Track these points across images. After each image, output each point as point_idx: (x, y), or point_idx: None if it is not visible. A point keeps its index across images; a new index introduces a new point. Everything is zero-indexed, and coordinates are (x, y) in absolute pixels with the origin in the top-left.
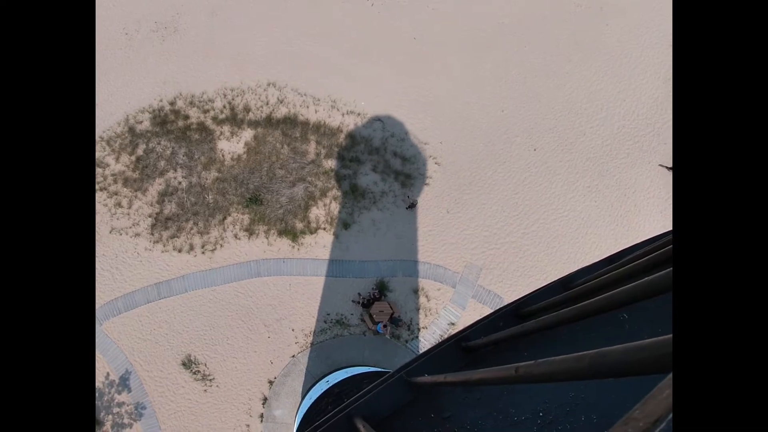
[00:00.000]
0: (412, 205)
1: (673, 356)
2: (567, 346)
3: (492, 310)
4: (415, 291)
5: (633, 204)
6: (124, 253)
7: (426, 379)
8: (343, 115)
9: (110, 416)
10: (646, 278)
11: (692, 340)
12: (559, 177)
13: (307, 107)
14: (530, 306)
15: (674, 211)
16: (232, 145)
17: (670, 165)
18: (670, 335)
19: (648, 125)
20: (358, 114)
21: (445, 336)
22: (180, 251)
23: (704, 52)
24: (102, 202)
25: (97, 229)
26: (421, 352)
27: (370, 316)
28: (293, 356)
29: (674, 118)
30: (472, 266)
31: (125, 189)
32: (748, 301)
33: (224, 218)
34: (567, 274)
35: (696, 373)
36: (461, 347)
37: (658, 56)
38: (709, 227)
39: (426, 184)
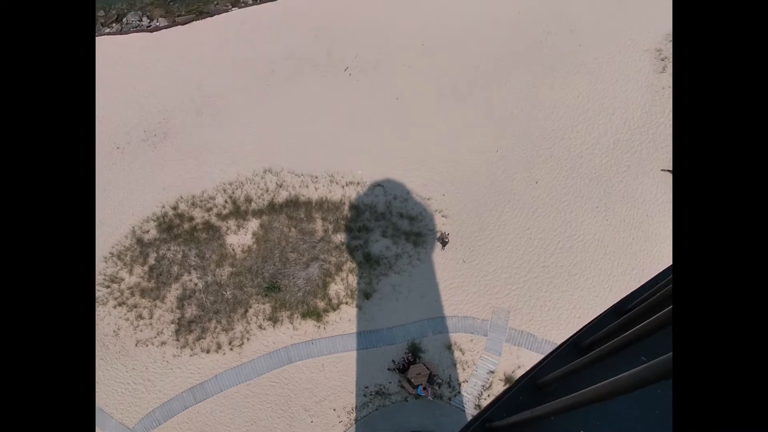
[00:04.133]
0: (444, 242)
1: (673, 369)
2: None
3: (528, 351)
4: (449, 347)
5: (645, 214)
6: (154, 364)
7: (507, 420)
8: (342, 187)
9: None
10: (647, 321)
11: (689, 354)
12: (566, 204)
13: (307, 186)
14: (588, 339)
15: (674, 257)
16: (240, 238)
17: (673, 168)
18: (670, 353)
19: (642, 133)
20: (358, 183)
21: (488, 385)
22: (208, 352)
23: (704, 54)
24: (123, 317)
25: (123, 343)
26: (465, 406)
27: (409, 380)
28: None
29: (674, 122)
30: (499, 310)
31: (144, 300)
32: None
33: (246, 311)
34: (584, 328)
35: (694, 378)
36: (534, 385)
37: (636, 63)
38: (707, 272)
39: (437, 240)
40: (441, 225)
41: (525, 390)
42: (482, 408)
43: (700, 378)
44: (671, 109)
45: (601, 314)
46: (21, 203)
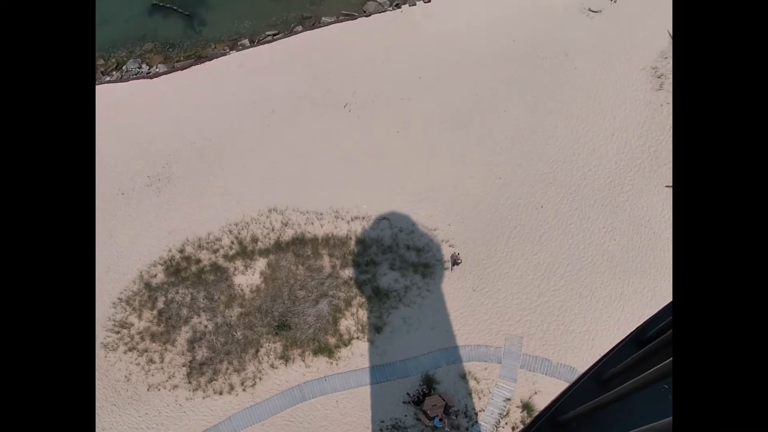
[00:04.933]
0: (457, 263)
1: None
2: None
3: (544, 376)
4: (463, 376)
5: (652, 232)
6: (166, 408)
7: None
8: (348, 222)
9: None
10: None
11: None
12: (572, 226)
13: (312, 223)
14: (608, 371)
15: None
16: (248, 278)
17: None
18: (669, 419)
19: (643, 151)
20: (363, 218)
21: (505, 413)
22: (221, 393)
23: (703, 61)
24: (134, 362)
25: (135, 388)
26: None
27: (425, 413)
28: None
29: (674, 127)
30: (512, 337)
31: (154, 344)
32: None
33: (257, 351)
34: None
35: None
36: (554, 423)
37: (632, 82)
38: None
39: (445, 269)
40: (448, 256)
41: (545, 429)
42: None
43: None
44: (671, 125)
45: (619, 343)
46: (24, 209)
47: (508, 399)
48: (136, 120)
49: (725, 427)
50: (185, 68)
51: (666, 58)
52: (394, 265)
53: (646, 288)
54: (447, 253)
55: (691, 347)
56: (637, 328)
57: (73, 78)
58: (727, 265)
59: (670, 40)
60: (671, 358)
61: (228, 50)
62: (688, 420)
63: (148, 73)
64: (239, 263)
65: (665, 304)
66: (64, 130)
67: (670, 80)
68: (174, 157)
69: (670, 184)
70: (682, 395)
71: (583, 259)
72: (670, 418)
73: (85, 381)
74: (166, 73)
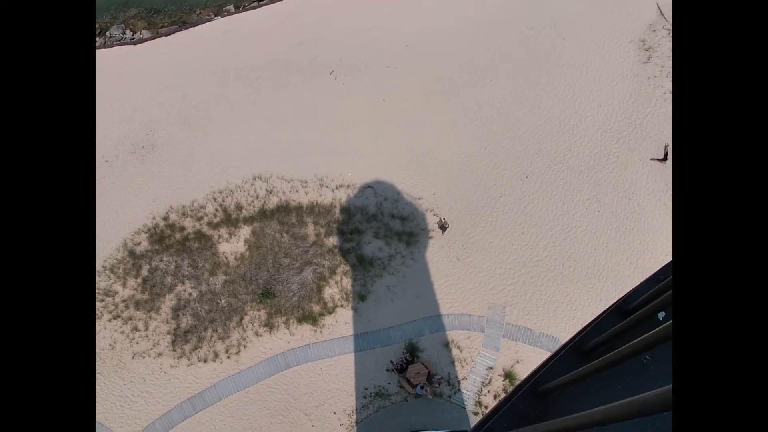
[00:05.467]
0: (444, 228)
1: (673, 399)
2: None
3: (526, 345)
4: (446, 345)
5: (636, 204)
6: (151, 375)
7: None
8: (333, 191)
9: None
10: (650, 333)
11: (689, 388)
12: (557, 197)
13: (297, 191)
14: (590, 341)
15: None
16: (232, 246)
17: (662, 157)
18: (669, 386)
19: (629, 123)
20: (348, 186)
21: (487, 381)
22: (205, 361)
23: (704, 53)
24: (119, 330)
25: (119, 356)
26: (466, 403)
27: (408, 380)
28: None
29: (674, 123)
30: (495, 306)
31: (138, 312)
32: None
33: (241, 319)
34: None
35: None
36: (535, 393)
37: (620, 55)
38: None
39: (430, 238)
40: (433, 225)
41: (526, 398)
42: (482, 417)
43: (701, 413)
44: (657, 98)
45: (602, 314)
46: (24, 207)
47: (491, 368)
48: (120, 87)
49: (729, 392)
50: (169, 34)
51: (654, 31)
52: (378, 233)
53: (629, 260)
54: (431, 221)
55: (693, 307)
56: (620, 299)
57: (72, 36)
58: (730, 219)
59: (659, 13)
60: (657, 329)
61: (213, 16)
62: (690, 386)
63: (132, 39)
64: (223, 231)
65: (648, 275)
66: (62, 88)
67: (658, 53)
68: (158, 124)
69: (655, 156)
70: (683, 361)
71: (566, 230)
72: (670, 386)
73: (85, 377)
74: (150, 39)
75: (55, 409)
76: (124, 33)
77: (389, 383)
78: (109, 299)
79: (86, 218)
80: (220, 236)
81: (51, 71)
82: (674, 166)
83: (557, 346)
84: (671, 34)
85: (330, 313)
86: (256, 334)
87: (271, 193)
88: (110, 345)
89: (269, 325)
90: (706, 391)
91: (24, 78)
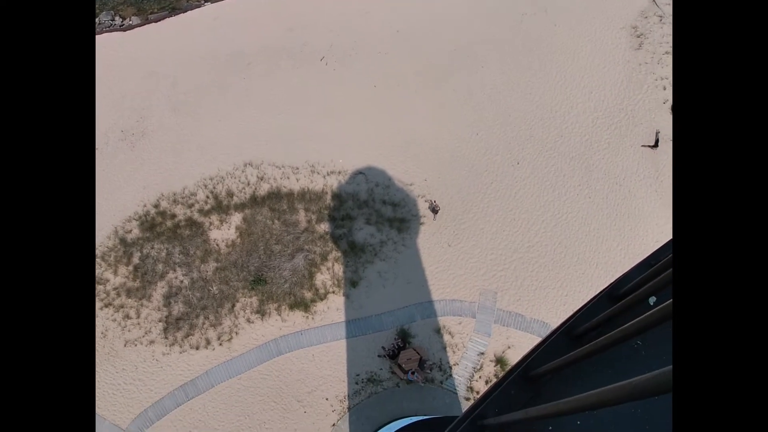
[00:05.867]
0: (436, 210)
1: (673, 380)
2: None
3: (517, 331)
4: (438, 330)
5: (627, 190)
6: (143, 363)
7: (497, 420)
8: (324, 177)
9: None
10: (648, 313)
11: (689, 368)
12: (548, 183)
13: (288, 178)
14: (581, 326)
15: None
16: (224, 233)
17: (652, 143)
18: (669, 367)
19: (620, 110)
20: (339, 172)
21: (479, 367)
22: (197, 348)
23: (704, 52)
24: (110, 317)
25: (111, 344)
26: (457, 389)
27: (399, 366)
28: (333, 425)
29: (674, 120)
30: (486, 292)
31: (130, 300)
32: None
33: (233, 306)
34: (573, 317)
35: (694, 393)
36: (526, 378)
37: (612, 41)
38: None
39: (421, 224)
40: (424, 211)
41: (517, 383)
42: (473, 402)
43: (702, 396)
44: (648, 85)
45: (593, 299)
46: (22, 203)
47: (482, 353)
48: (110, 74)
49: (733, 372)
50: (159, 20)
51: (646, 17)
52: (369, 219)
53: (620, 246)
54: (423, 207)
55: (693, 284)
56: (611, 284)
57: (72, 29)
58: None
59: (651, 0)
60: (651, 311)
61: (203, 2)
62: (692, 367)
63: (122, 25)
64: (214, 218)
65: (638, 261)
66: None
67: (650, 40)
68: (148, 111)
69: (646, 143)
70: (684, 341)
71: (557, 216)
72: (669, 368)
73: (85, 379)
74: (139, 26)
75: (54, 401)
76: (113, 19)
77: (381, 369)
78: (101, 287)
79: (86, 212)
80: (211, 223)
81: (50, 59)
82: (674, 141)
83: (548, 332)
84: (662, 20)
85: (322, 299)
86: (248, 320)
87: (262, 179)
88: (102, 333)
89: (261, 312)
90: (708, 372)
91: (22, 66)
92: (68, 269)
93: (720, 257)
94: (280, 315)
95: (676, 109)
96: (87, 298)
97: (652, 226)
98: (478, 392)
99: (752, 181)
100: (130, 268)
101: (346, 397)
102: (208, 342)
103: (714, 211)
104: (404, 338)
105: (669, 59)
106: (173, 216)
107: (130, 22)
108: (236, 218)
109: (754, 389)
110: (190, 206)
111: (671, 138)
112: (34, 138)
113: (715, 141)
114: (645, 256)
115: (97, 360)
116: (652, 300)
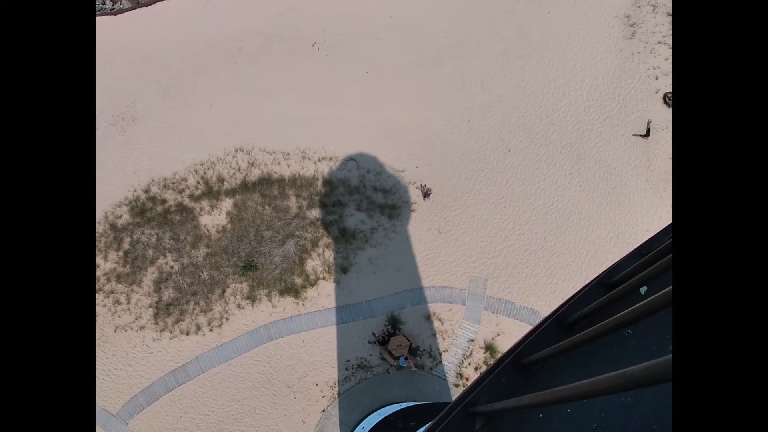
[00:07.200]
0: (427, 194)
1: (673, 369)
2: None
3: (507, 318)
4: (428, 317)
5: (618, 179)
6: (134, 349)
7: (489, 408)
8: (315, 163)
9: None
10: (647, 300)
11: (689, 355)
12: (539, 171)
13: (279, 164)
14: (572, 314)
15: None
16: (214, 218)
17: (644, 132)
18: (669, 356)
19: (612, 99)
20: (330, 158)
21: (468, 353)
22: (188, 334)
23: (704, 50)
24: (100, 303)
25: (101, 330)
26: (447, 375)
27: (389, 352)
28: (324, 410)
29: (674, 118)
30: (477, 279)
31: (120, 285)
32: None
33: (224, 291)
34: (566, 305)
35: (693, 382)
36: (517, 366)
37: (605, 30)
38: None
39: (412, 211)
40: (415, 197)
41: (508, 371)
42: (465, 389)
43: (704, 384)
44: (640, 74)
45: (585, 287)
46: (20, 200)
47: (472, 340)
48: (100, 58)
49: (736, 360)
50: (150, 4)
51: (639, 6)
52: (360, 206)
53: (611, 234)
54: (414, 194)
55: (694, 269)
56: (602, 273)
57: (72, 22)
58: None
59: None
60: (647, 300)
61: None
62: (693, 356)
63: (112, 9)
64: (205, 203)
65: (629, 250)
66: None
67: (643, 29)
68: (138, 96)
69: (638, 132)
70: (684, 329)
71: (548, 204)
72: (668, 357)
73: (85, 377)
74: (130, 10)
75: (53, 395)
76: (104, 3)
77: (371, 355)
78: None
79: (86, 208)
80: (201, 209)
81: (49, 48)
82: (674, 130)
83: (538, 319)
84: (655, 10)
85: (312, 285)
86: (239, 306)
87: (252, 165)
88: None
89: (251, 298)
90: (711, 360)
91: (21, 57)
92: (68, 261)
93: (720, 242)
94: (270, 301)
95: (676, 93)
96: (87, 290)
97: (642, 215)
98: (467, 379)
99: (754, 167)
100: (120, 253)
101: (336, 383)
102: (198, 328)
103: (714, 196)
104: (394, 325)
105: (662, 49)
106: (163, 201)
107: (121, 6)
108: (227, 204)
109: (761, 377)
110: (181, 191)
111: (663, 128)
112: (32, 127)
113: (716, 129)
114: (636, 245)
115: None
116: (643, 290)
